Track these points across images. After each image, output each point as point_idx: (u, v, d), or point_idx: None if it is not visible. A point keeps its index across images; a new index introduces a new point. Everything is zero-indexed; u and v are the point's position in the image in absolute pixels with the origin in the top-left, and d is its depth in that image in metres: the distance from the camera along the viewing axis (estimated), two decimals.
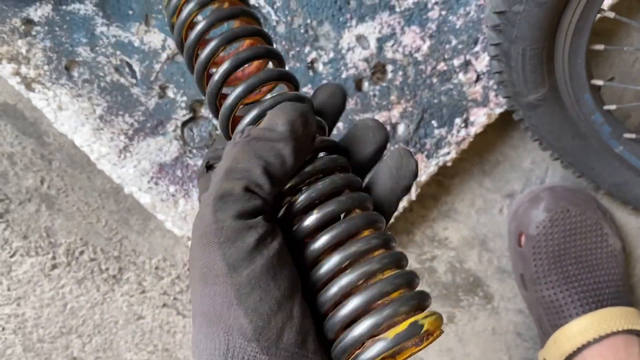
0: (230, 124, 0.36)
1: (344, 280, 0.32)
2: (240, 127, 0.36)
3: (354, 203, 0.35)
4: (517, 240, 0.80)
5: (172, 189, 0.70)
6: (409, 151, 0.37)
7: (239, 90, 0.35)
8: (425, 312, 0.32)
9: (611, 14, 0.52)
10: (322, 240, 0.33)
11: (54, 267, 0.76)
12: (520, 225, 0.79)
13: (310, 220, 0.34)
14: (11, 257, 0.75)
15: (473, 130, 0.74)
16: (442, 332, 0.32)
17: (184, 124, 0.69)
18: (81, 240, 0.76)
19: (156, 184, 0.70)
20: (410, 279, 0.33)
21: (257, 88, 0.36)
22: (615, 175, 0.75)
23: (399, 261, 0.34)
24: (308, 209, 0.34)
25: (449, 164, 0.76)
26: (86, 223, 0.76)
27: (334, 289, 0.33)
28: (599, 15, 0.53)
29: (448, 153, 0.75)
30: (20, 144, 0.73)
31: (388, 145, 0.40)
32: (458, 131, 0.74)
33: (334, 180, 0.34)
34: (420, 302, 0.32)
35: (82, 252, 0.76)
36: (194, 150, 0.69)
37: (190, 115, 0.68)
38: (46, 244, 0.76)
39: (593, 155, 0.73)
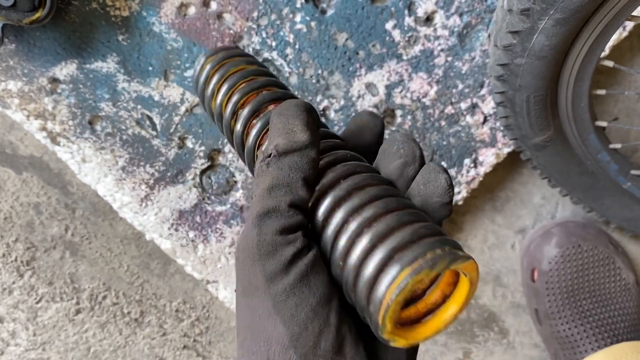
0: None
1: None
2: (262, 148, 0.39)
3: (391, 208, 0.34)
4: (530, 276, 0.81)
5: (191, 234, 0.73)
6: (440, 166, 0.35)
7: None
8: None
9: (610, 63, 0.54)
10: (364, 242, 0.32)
11: (78, 312, 0.78)
12: (533, 260, 0.80)
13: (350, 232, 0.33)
14: (37, 303, 0.78)
15: (482, 169, 0.76)
16: (476, 274, 0.32)
17: (203, 172, 0.71)
18: (104, 285, 0.79)
19: (176, 230, 0.72)
20: (437, 229, 0.33)
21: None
22: (625, 210, 0.76)
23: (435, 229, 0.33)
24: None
25: (460, 202, 0.77)
26: (109, 268, 0.78)
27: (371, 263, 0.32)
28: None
29: (459, 192, 0.76)
30: (46, 194, 0.76)
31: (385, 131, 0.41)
32: (468, 171, 0.76)
33: (370, 192, 0.34)
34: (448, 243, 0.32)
35: (105, 297, 0.79)
36: (212, 197, 0.72)
37: (209, 163, 0.71)
38: (70, 289, 0.78)
39: (602, 192, 0.74)
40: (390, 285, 0.30)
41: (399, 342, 0.32)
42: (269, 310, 0.32)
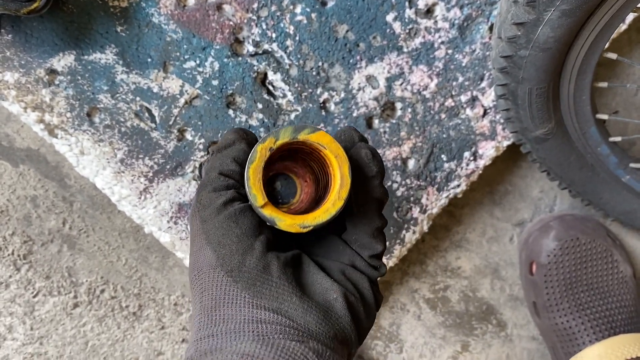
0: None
1: None
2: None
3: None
4: (528, 269, 0.81)
5: None
6: (364, 144, 0.44)
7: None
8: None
9: (613, 56, 0.54)
10: None
11: (75, 305, 0.78)
12: (531, 254, 0.81)
13: None
14: (34, 297, 0.77)
15: (482, 162, 0.76)
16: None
17: (202, 164, 0.71)
18: (102, 279, 0.78)
19: (175, 223, 0.72)
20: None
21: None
22: (623, 203, 0.76)
23: None
24: None
25: (460, 195, 0.77)
26: (107, 262, 0.78)
27: None
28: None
29: (458, 185, 0.76)
30: (43, 187, 0.75)
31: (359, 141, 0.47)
32: (467, 164, 0.76)
33: None
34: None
35: (102, 291, 0.78)
36: None
37: (208, 156, 0.71)
38: (68, 283, 0.77)
39: (601, 185, 0.74)
40: (249, 159, 0.40)
41: (284, 222, 0.40)
42: (202, 244, 0.40)
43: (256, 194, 0.39)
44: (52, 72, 0.66)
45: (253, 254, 0.39)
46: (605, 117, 0.64)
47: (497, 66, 0.57)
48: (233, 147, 0.44)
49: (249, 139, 0.45)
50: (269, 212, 0.40)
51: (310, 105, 0.71)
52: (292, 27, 0.68)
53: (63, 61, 0.66)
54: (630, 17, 0.71)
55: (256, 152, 0.39)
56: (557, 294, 0.78)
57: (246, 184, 0.40)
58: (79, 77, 0.67)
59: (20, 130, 0.74)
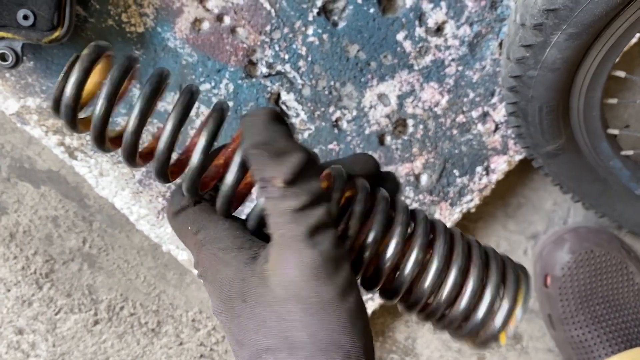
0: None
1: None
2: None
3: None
4: (543, 281, 0.81)
5: None
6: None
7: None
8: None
9: (622, 74, 0.55)
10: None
11: (96, 322, 0.80)
12: (546, 266, 0.81)
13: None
14: (56, 314, 0.79)
15: (494, 177, 0.77)
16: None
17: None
18: (121, 296, 0.80)
19: None
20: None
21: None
22: (637, 215, 0.76)
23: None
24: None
25: (473, 210, 0.78)
26: (126, 279, 0.79)
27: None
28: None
29: (471, 200, 0.77)
30: (64, 207, 0.77)
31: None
32: (480, 179, 0.76)
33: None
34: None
35: (122, 308, 0.80)
36: None
37: None
38: (88, 300, 0.79)
39: (614, 198, 0.74)
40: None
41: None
42: (345, 325, 0.34)
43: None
44: None
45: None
46: (616, 132, 0.65)
47: (507, 85, 0.58)
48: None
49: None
50: None
51: (323, 123, 0.72)
52: (304, 48, 0.69)
53: None
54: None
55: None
56: (572, 307, 0.78)
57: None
58: None
59: (42, 152, 0.76)
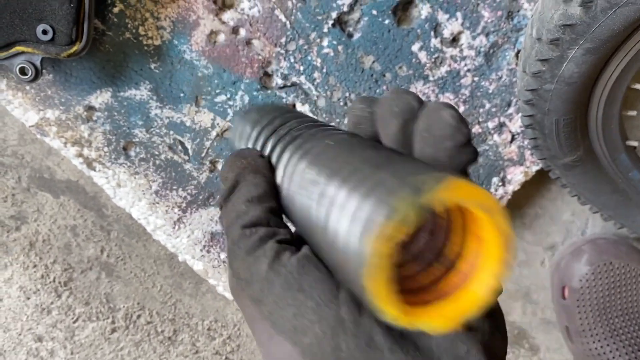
0: None
1: None
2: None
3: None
4: (560, 293, 0.80)
5: (223, 255, 0.74)
6: (441, 103, 0.28)
7: None
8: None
9: None
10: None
11: (113, 330, 0.80)
12: (564, 278, 0.80)
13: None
14: (74, 322, 0.80)
15: (511, 188, 0.76)
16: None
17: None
18: (138, 304, 0.80)
19: (208, 251, 0.74)
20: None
21: None
22: None
23: None
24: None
25: None
26: (143, 288, 0.80)
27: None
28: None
29: None
30: (82, 217, 0.78)
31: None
32: (496, 190, 0.76)
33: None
34: None
35: (139, 316, 0.81)
36: None
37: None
38: (106, 309, 0.80)
39: (633, 209, 0.73)
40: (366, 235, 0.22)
41: (442, 323, 0.24)
42: (270, 333, 0.29)
43: (384, 307, 0.23)
44: (90, 109, 0.69)
45: (347, 330, 0.26)
46: (635, 144, 0.64)
47: (523, 98, 0.57)
48: (240, 188, 0.32)
49: (254, 164, 0.33)
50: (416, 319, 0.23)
51: None
52: (319, 60, 0.70)
53: (100, 98, 0.69)
54: None
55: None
56: (590, 319, 0.77)
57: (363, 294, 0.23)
58: (115, 113, 0.69)
59: (61, 163, 0.77)
